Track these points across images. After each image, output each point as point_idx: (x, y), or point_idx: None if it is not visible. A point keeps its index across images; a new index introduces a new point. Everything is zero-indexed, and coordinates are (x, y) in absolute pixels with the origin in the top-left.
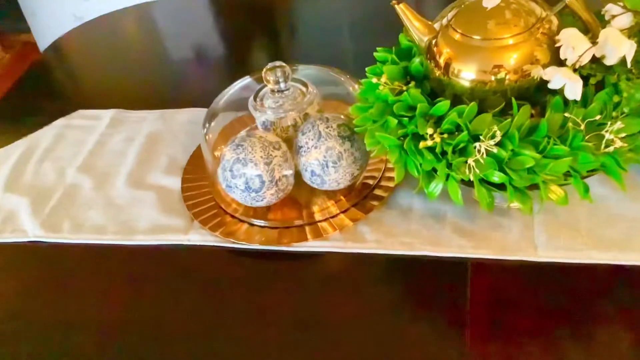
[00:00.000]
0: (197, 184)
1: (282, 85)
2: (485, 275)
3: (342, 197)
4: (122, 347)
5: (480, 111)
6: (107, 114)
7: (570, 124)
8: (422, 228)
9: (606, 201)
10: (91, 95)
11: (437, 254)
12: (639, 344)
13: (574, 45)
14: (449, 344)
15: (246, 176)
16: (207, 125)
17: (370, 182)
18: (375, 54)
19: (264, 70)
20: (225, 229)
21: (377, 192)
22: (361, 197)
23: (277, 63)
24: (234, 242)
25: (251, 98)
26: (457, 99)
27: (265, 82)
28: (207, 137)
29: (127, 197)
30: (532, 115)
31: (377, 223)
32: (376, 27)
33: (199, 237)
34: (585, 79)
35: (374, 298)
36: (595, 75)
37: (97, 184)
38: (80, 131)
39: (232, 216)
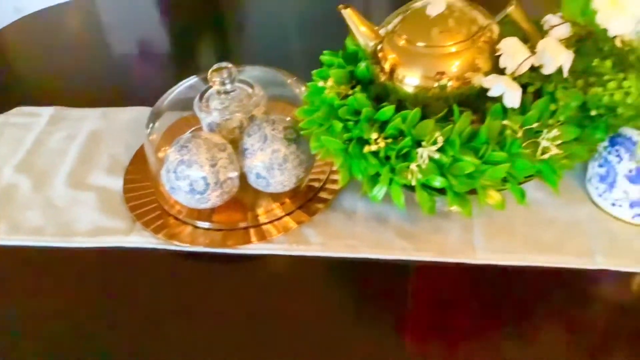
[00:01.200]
0: (140, 185)
1: (228, 86)
2: (426, 277)
3: (287, 200)
4: (61, 349)
5: (424, 117)
6: (47, 111)
7: (508, 131)
8: (366, 231)
9: (542, 205)
10: (30, 92)
11: (380, 256)
12: (575, 343)
13: (513, 54)
14: (390, 344)
15: (190, 178)
16: (150, 125)
17: (316, 184)
18: (322, 57)
19: (210, 71)
20: (169, 231)
21: (323, 194)
22: (306, 199)
23: (223, 64)
24: (177, 245)
25: (196, 99)
26: (401, 104)
27: (210, 83)
28: (150, 137)
29: (67, 197)
30: (473, 122)
31: (321, 226)
32: (326, 29)
33: (141, 239)
34: (525, 87)
35: (317, 300)
36: (534, 83)
37: (36, 183)
38: (19, 129)
39: (176, 218)
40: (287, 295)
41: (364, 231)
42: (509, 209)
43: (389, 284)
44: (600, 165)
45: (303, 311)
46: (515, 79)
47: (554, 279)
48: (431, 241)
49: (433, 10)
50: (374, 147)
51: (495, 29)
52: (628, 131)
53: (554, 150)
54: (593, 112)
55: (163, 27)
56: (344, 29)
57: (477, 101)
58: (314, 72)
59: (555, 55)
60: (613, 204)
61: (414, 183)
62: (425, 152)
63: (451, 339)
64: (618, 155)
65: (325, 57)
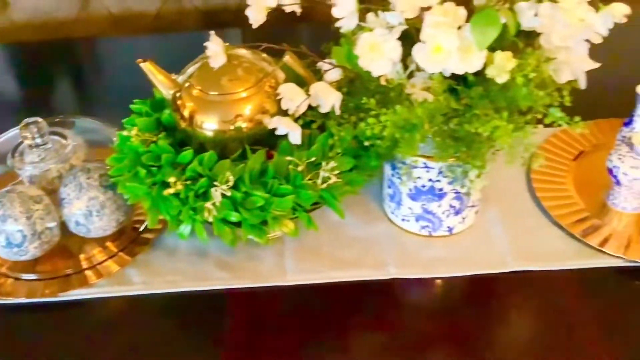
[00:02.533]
0: None
1: (39, 140)
2: (243, 303)
3: (109, 243)
4: None
5: (223, 157)
6: None
7: (291, 166)
8: (187, 265)
9: (346, 226)
10: None
11: (199, 288)
12: (386, 346)
13: (292, 97)
14: None
15: (7, 232)
16: None
17: (138, 225)
18: (131, 105)
19: (20, 126)
20: None
21: (146, 235)
22: (129, 241)
23: (32, 119)
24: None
25: (9, 154)
26: (202, 148)
27: (21, 138)
28: None
29: None
30: (271, 156)
31: (144, 265)
32: None
33: None
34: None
35: (142, 337)
36: (316, 121)
37: None
38: None
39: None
40: (112, 336)
41: (185, 266)
42: (316, 232)
43: (209, 313)
44: (389, 187)
45: (127, 349)
46: (297, 119)
47: (356, 292)
48: (246, 269)
49: (215, 63)
50: (172, 190)
51: (280, 74)
52: (408, 157)
53: (333, 179)
54: (366, 143)
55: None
56: None
57: (271, 138)
58: (123, 120)
59: (326, 97)
60: (403, 220)
61: (210, 220)
62: (218, 191)
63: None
64: (399, 177)
65: (135, 105)
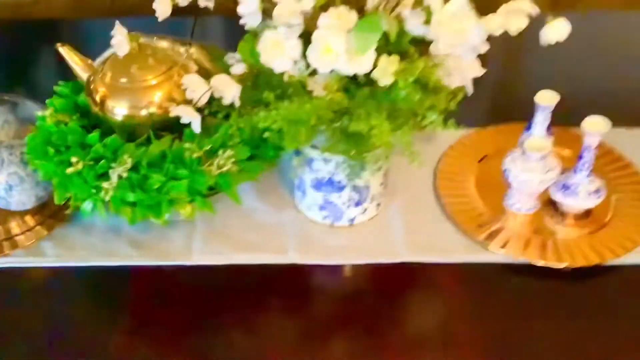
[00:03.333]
0: None
1: None
2: (147, 280)
3: (29, 217)
4: None
5: (131, 141)
6: None
7: (187, 153)
8: (100, 242)
9: (257, 212)
10: None
11: (108, 263)
12: (281, 326)
13: (194, 88)
14: (102, 338)
15: None
16: None
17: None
18: (55, 87)
19: None
20: None
21: (69, 211)
22: (48, 216)
23: None
24: None
25: None
26: (113, 130)
27: None
28: None
29: None
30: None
31: (60, 239)
32: None
33: None
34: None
35: (51, 306)
36: (221, 111)
37: None
38: None
39: None
40: (23, 306)
41: (98, 242)
42: (228, 216)
43: (115, 288)
44: (296, 177)
45: (32, 320)
46: (203, 109)
47: (257, 275)
48: (155, 248)
49: (120, 52)
50: (72, 169)
51: (192, 66)
52: (306, 150)
53: (228, 166)
54: (265, 135)
55: None
56: None
57: (178, 126)
58: (47, 100)
59: (226, 89)
60: (308, 209)
61: (107, 199)
62: (115, 173)
63: (163, 335)
64: (302, 170)
65: (60, 87)
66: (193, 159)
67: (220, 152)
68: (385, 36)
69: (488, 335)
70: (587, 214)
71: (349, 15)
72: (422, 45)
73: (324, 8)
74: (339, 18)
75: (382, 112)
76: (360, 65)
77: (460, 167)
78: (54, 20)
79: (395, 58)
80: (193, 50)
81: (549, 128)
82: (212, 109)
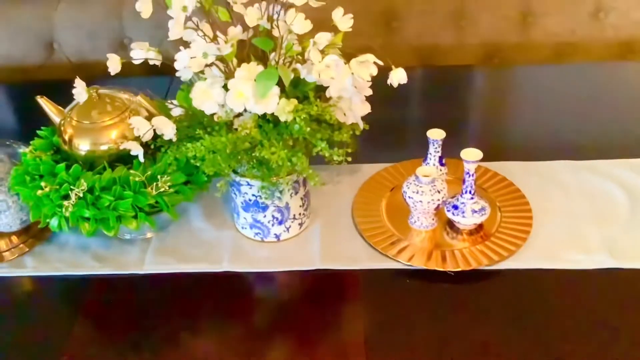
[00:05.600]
0: None
1: None
2: (105, 286)
3: (14, 237)
4: None
5: (92, 169)
6: None
7: (132, 177)
8: (70, 256)
9: (200, 231)
10: None
11: (73, 273)
12: (214, 324)
13: (139, 127)
14: (60, 335)
15: None
16: None
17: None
18: (38, 131)
19: None
20: None
21: (47, 232)
22: (30, 236)
23: None
24: None
25: None
26: (80, 163)
27: None
28: None
29: None
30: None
31: (39, 255)
32: None
33: None
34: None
35: (26, 309)
36: (164, 145)
37: None
38: None
39: None
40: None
41: (68, 256)
42: (178, 234)
43: (76, 293)
44: (231, 200)
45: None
46: (149, 145)
47: (195, 282)
48: (114, 260)
49: (80, 99)
50: (40, 192)
51: (142, 110)
52: (233, 175)
53: (164, 188)
54: (192, 162)
55: None
56: None
57: (130, 157)
58: (31, 142)
59: (164, 127)
60: (242, 227)
61: (67, 214)
62: (74, 193)
63: (114, 333)
64: (234, 193)
65: (40, 131)
66: (136, 182)
67: (159, 177)
68: (291, 83)
69: (376, 327)
70: (478, 229)
71: (256, 69)
72: (323, 90)
73: (239, 64)
74: (248, 70)
75: (280, 142)
76: (267, 106)
77: (374, 195)
78: (52, 81)
79: (292, 100)
80: (140, 98)
81: (441, 159)
82: (157, 143)
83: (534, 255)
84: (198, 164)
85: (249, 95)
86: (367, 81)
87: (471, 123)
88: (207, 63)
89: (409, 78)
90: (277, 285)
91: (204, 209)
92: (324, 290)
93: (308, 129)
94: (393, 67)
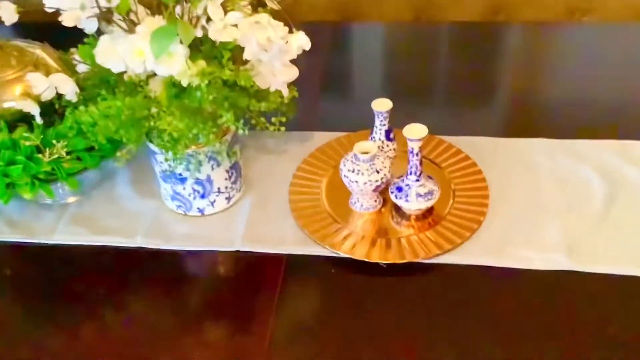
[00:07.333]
0: None
1: None
2: (15, 254)
3: None
4: None
5: None
6: None
7: (23, 141)
8: None
9: (123, 199)
10: None
11: None
12: (120, 300)
13: (37, 84)
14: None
15: None
16: None
17: None
18: None
19: None
20: None
21: None
22: None
23: None
24: None
25: None
26: None
27: None
28: None
29: None
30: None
31: None
32: None
33: None
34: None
35: None
36: (68, 106)
37: None
38: None
39: None
40: None
41: None
42: (99, 201)
43: None
44: (153, 169)
45: None
46: (53, 104)
47: (107, 256)
48: (26, 226)
49: None
50: None
51: (51, 64)
52: (150, 145)
53: (61, 155)
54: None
55: None
56: None
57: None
58: None
59: (64, 85)
60: (166, 199)
61: None
62: None
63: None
64: (153, 161)
65: None
66: (27, 147)
67: (56, 142)
68: (202, 42)
69: (286, 327)
70: (427, 214)
71: (160, 24)
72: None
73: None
74: (150, 25)
75: (181, 111)
76: (171, 67)
77: (318, 168)
78: None
79: (200, 62)
80: (42, 51)
81: (389, 133)
82: (62, 103)
83: (479, 249)
84: (87, 130)
85: (148, 53)
86: (285, 43)
87: (454, 91)
88: (89, 15)
89: (398, 33)
90: (188, 266)
91: (134, 173)
92: (238, 275)
93: (211, 96)
94: (294, 30)
